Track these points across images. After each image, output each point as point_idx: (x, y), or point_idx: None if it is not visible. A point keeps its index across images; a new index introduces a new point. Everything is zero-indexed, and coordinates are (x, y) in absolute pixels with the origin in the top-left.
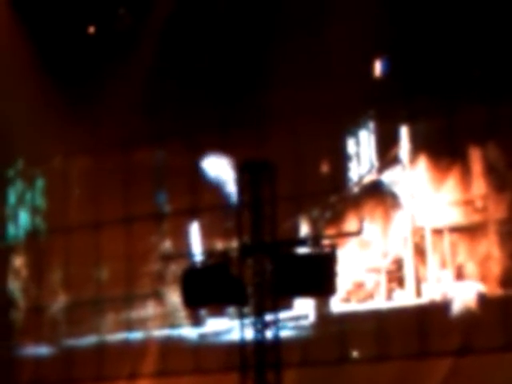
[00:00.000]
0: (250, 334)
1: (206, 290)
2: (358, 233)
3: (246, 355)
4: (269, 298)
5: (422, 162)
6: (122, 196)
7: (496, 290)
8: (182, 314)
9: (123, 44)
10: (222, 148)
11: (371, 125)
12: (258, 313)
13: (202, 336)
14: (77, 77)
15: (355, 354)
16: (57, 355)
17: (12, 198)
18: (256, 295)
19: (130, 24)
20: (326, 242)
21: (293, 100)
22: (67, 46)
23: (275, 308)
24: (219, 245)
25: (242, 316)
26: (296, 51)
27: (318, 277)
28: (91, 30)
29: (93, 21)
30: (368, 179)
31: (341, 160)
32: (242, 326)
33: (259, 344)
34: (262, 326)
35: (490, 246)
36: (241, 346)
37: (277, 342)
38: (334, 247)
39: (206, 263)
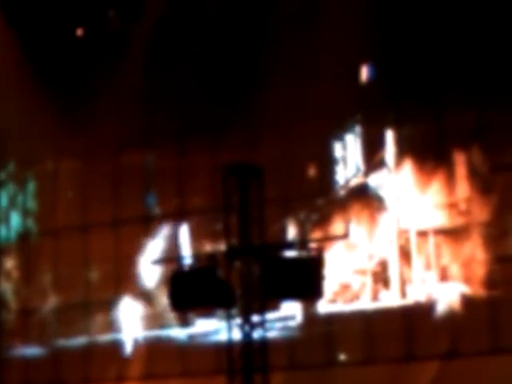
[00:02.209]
0: (237, 335)
1: (194, 293)
2: (345, 236)
3: (234, 358)
4: (256, 301)
5: (408, 166)
6: (112, 198)
7: (479, 292)
8: (170, 314)
9: (113, 47)
10: (210, 151)
11: (358, 129)
12: (246, 316)
13: (191, 337)
14: (67, 80)
15: (342, 356)
16: (46, 357)
17: (4, 200)
18: (243, 298)
19: (120, 27)
20: (313, 245)
21: (281, 104)
22: (57, 49)
23: (262, 311)
24: (208, 247)
25: (229, 320)
26: (284, 57)
27: (306, 280)
28: (80, 32)
29: (82, 23)
30: (354, 182)
31: (328, 163)
32: (230, 330)
33: (247, 347)
34: (249, 329)
35: (473, 248)
36: (228, 349)
37: (264, 344)
38: (321, 251)
39: (194, 266)
